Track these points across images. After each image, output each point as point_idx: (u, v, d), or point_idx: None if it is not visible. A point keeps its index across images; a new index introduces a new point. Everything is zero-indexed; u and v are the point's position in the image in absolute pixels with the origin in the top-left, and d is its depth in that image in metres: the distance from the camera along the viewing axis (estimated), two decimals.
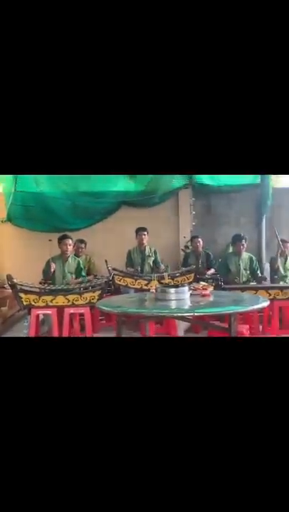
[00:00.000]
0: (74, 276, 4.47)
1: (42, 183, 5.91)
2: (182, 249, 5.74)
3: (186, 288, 2.82)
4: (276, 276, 5.02)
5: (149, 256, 5.06)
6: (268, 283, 4.83)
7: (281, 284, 4.73)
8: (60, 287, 4.19)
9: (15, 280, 3.98)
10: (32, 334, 3.98)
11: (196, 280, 4.18)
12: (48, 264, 4.40)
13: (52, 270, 4.32)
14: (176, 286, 2.95)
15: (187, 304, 2.63)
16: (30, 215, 5.88)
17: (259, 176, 5.93)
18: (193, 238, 5.39)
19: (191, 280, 4.29)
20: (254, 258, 4.91)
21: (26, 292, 4.00)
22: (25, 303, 4.00)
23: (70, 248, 4.46)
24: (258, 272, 4.83)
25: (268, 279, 5.11)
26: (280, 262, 5.07)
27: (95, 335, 4.24)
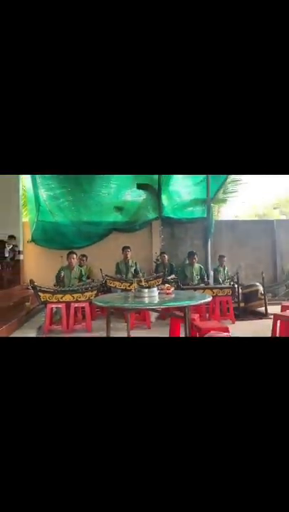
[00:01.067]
0: (78, 280, 4.39)
1: (56, 215, 5.91)
2: (154, 262, 5.76)
3: (156, 288, 2.80)
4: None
5: (131, 266, 5.01)
6: (211, 284, 4.89)
7: (222, 285, 4.78)
8: (67, 288, 4.11)
9: (35, 283, 3.88)
10: (47, 322, 3.85)
11: (163, 283, 4.17)
12: (59, 272, 4.35)
13: (62, 276, 4.26)
14: (149, 287, 2.91)
15: (156, 299, 2.61)
16: (48, 237, 5.84)
17: (206, 212, 6.07)
18: (161, 254, 5.41)
19: (159, 283, 4.27)
20: (202, 267, 4.95)
21: (44, 292, 3.89)
22: (42, 299, 3.89)
23: (75, 261, 4.41)
24: (205, 276, 4.88)
25: (211, 281, 5.18)
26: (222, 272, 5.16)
27: (93, 322, 4.15)
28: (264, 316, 4.58)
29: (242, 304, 4.76)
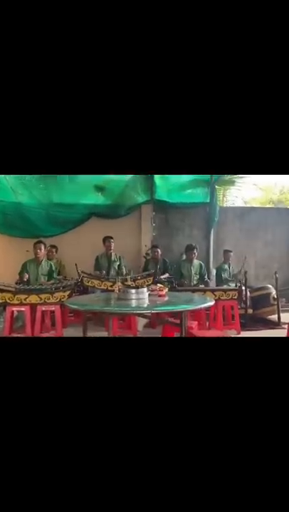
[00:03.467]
0: (46, 278, 4.37)
1: (20, 194, 5.80)
2: (144, 256, 5.76)
3: (145, 289, 2.81)
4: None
5: (114, 261, 5.03)
6: (212, 285, 4.96)
7: (225, 287, 4.85)
8: (33, 287, 4.06)
9: None
10: (7, 329, 3.82)
11: (154, 283, 4.19)
12: (23, 267, 4.32)
13: (25, 279, 4.22)
14: (136, 287, 2.93)
15: (146, 302, 2.63)
16: (9, 222, 5.71)
17: (208, 196, 6.11)
18: (153, 247, 5.42)
19: (150, 283, 4.29)
20: (203, 265, 5.00)
21: (2, 291, 3.83)
22: (0, 300, 3.83)
23: (42, 252, 4.36)
24: (206, 276, 4.93)
25: (213, 282, 5.25)
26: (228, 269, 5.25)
27: (65, 330, 4.14)
28: (277, 325, 4.69)
29: (250, 311, 4.86)
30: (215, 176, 6.06)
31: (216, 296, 4.26)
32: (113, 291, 3.83)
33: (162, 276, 4.89)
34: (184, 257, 5.18)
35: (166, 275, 5.01)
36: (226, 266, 5.27)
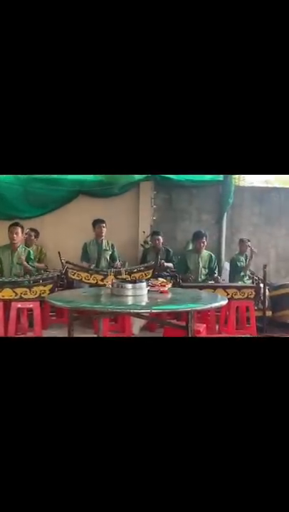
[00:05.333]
0: (23, 267, 4.37)
1: None
2: (141, 245, 5.76)
3: (144, 284, 2.82)
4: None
5: (106, 250, 5.03)
6: (226, 282, 4.99)
7: (239, 283, 4.87)
8: (7, 280, 4.06)
9: None
10: None
11: (155, 277, 4.20)
12: None
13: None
14: (133, 281, 2.94)
15: (144, 300, 2.64)
16: None
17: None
18: (153, 234, 5.42)
19: (149, 276, 4.31)
20: (213, 256, 5.02)
21: None
22: None
23: (19, 237, 4.34)
24: (216, 271, 4.95)
25: (226, 278, 5.26)
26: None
27: (45, 331, 4.17)
28: None
29: (269, 313, 4.90)
30: None
31: (228, 294, 4.29)
32: (104, 285, 3.86)
33: (167, 264, 4.89)
34: (191, 246, 5.19)
35: (170, 265, 5.01)
36: (242, 258, 5.27)
